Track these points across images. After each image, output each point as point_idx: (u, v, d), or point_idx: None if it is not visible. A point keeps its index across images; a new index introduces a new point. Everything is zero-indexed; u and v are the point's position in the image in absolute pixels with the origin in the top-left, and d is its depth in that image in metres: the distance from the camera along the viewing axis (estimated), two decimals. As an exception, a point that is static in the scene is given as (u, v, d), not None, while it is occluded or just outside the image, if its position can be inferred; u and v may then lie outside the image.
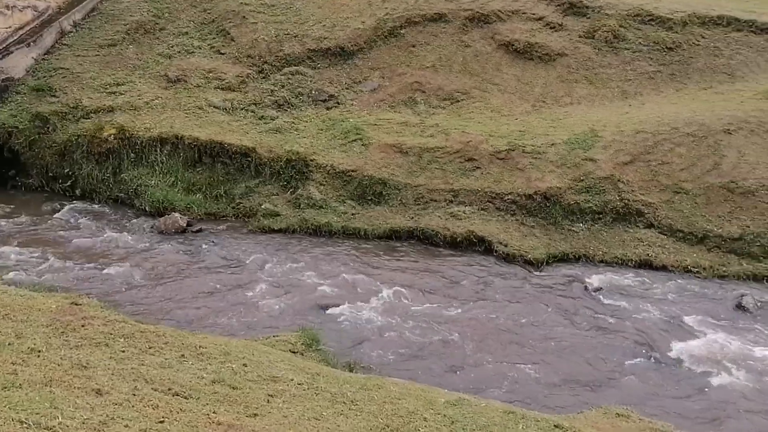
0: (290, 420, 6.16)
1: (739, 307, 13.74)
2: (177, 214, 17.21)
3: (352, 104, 21.31)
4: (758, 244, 15.53)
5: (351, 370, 10.34)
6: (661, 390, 11.08)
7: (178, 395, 6.04)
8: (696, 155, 17.21)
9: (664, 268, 15.43)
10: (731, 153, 17.10)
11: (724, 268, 15.21)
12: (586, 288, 14.59)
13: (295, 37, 22.87)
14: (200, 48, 22.87)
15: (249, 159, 18.68)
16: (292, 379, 7.59)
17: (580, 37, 22.72)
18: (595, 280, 14.94)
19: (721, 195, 16.40)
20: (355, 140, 19.15)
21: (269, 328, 12.23)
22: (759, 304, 13.85)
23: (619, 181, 16.94)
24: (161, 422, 5.19)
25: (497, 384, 11.15)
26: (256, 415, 6.08)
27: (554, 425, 7.81)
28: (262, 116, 20.42)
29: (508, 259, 15.79)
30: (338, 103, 21.30)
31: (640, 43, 22.28)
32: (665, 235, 16.16)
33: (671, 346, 12.30)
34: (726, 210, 16.16)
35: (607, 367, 11.74)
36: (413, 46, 22.87)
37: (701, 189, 16.56)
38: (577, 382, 11.30)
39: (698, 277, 15.09)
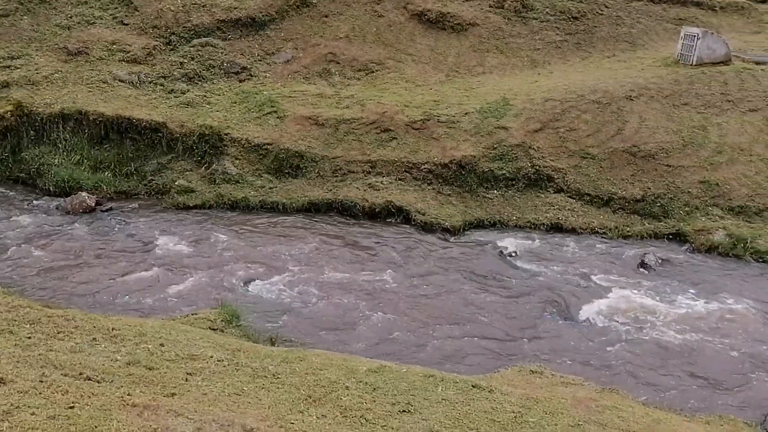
0: (210, 397, 6.11)
1: (642, 264, 14.54)
2: (84, 194, 16.47)
3: (266, 76, 20.89)
4: (659, 204, 16.44)
5: (273, 344, 10.31)
6: (572, 346, 11.63)
7: (90, 379, 5.86)
8: (601, 121, 17.95)
9: (573, 230, 16.11)
10: (633, 118, 17.92)
11: (628, 229, 16.03)
12: (501, 252, 15.05)
13: (203, 6, 22.11)
14: (101, 18, 21.74)
15: (160, 134, 18.04)
16: (212, 356, 7.50)
17: (490, 7, 23.08)
18: (509, 244, 15.44)
19: (624, 159, 17.21)
20: (270, 113, 18.84)
21: (188, 307, 11.99)
22: (660, 261, 14.70)
23: (530, 148, 17.47)
24: (71, 408, 5.04)
25: (418, 349, 11.40)
26: (173, 394, 5.99)
27: (472, 385, 8.08)
28: (172, 90, 19.72)
29: (426, 227, 16.05)
30: (251, 75, 20.83)
31: (547, 12, 22.86)
32: (574, 198, 16.84)
33: (581, 305, 12.91)
34: (629, 173, 16.99)
35: (522, 327, 12.20)
36: (326, 17, 22.59)
37: (606, 154, 17.31)
38: (494, 343, 11.69)
39: (605, 238, 15.86)
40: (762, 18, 24.21)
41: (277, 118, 18.62)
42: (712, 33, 19.87)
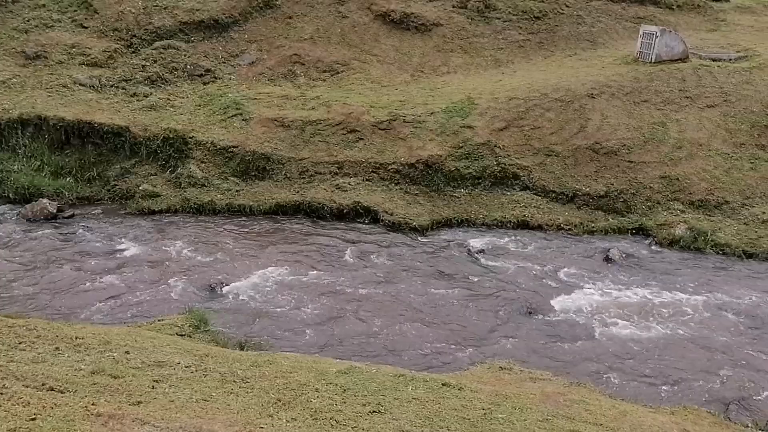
0: (177, 404, 6.03)
1: (607, 259, 14.79)
2: (45, 200, 16.13)
3: (230, 78, 20.73)
4: (621, 199, 16.74)
5: (242, 348, 10.21)
6: (541, 341, 11.78)
7: (53, 390, 5.73)
8: (564, 119, 18.20)
9: (539, 227, 16.31)
10: (595, 116, 18.21)
11: (593, 224, 16.29)
12: (468, 251, 15.16)
13: (164, 8, 21.83)
14: (60, 21, 21.32)
15: (122, 139, 17.76)
16: (179, 363, 7.40)
17: (453, 7, 23.23)
18: (477, 242, 15.56)
19: (588, 156, 17.47)
20: (235, 115, 18.69)
21: (154, 313, 11.83)
22: (624, 255, 14.97)
23: (495, 146, 17.63)
24: (33, 419, 4.92)
25: (389, 349, 11.43)
26: (139, 402, 5.90)
27: (442, 384, 8.11)
28: (135, 93, 19.44)
29: (394, 227, 16.09)
30: (215, 78, 20.65)
31: (509, 12, 23.09)
32: (539, 196, 17.05)
33: (548, 301, 13.08)
34: (592, 170, 17.26)
35: (491, 325, 12.32)
36: (290, 18, 22.49)
37: (570, 151, 17.56)
38: (463, 341, 11.78)
39: (570, 234, 16.08)
40: (717, 16, 24.82)
41: (243, 120, 18.49)
42: (670, 31, 20.29)
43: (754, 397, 10.23)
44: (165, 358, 7.50)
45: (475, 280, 13.90)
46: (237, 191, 17.10)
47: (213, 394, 6.58)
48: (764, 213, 15.96)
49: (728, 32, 23.36)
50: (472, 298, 13.19)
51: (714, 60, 20.22)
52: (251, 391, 6.96)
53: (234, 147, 17.71)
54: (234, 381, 7.16)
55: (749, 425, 8.76)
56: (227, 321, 11.89)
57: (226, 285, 13.28)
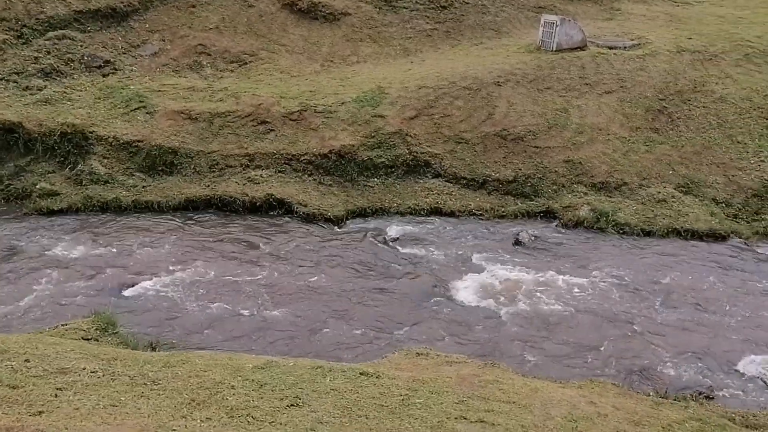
0: (82, 412, 5.77)
1: (517, 242, 15.26)
2: (-70, 204, 15.02)
3: (132, 70, 19.90)
4: (529, 184, 17.29)
5: (154, 349, 9.91)
6: (456, 325, 12.03)
7: (-57, 406, 5.37)
8: (472, 107, 18.58)
9: (452, 213, 16.61)
10: (502, 103, 18.70)
11: (503, 209, 16.75)
12: (384, 239, 15.27)
13: (57, -4, 20.67)
14: (-60, 10, 19.80)
15: (15, 135, 16.73)
16: (85, 368, 7.09)
17: (361, -4, 23.21)
18: (392, 231, 15.69)
19: (496, 142, 17.93)
20: (138, 108, 17.98)
21: (57, 317, 11.25)
22: (533, 238, 15.49)
23: (407, 135, 17.79)
24: None
25: (307, 341, 11.37)
26: (41, 413, 5.61)
27: (360, 373, 8.16)
28: (27, 86, 18.34)
29: (309, 218, 15.99)
30: (116, 69, 19.77)
31: (416, 2, 23.31)
32: (451, 183, 17.36)
33: (462, 285, 13.37)
34: (501, 156, 17.73)
35: (408, 311, 12.47)
36: (193, 7, 21.81)
37: (479, 138, 17.96)
38: (381, 329, 11.87)
39: (482, 219, 16.48)
40: (613, 5, 25.96)
41: (147, 113, 17.82)
42: (570, 20, 21.06)
43: (654, 367, 10.86)
44: (69, 365, 7.16)
45: (391, 268, 14.02)
46: (143, 187, 16.49)
47: (122, 398, 6.34)
48: (659, 193, 16.90)
49: (623, 21, 24.48)
50: (388, 286, 13.30)
51: (610, 48, 21.15)
52: (163, 392, 6.76)
53: (138, 141, 17.05)
54: (145, 383, 6.93)
55: (650, 393, 9.29)
56: (137, 322, 11.48)
57: (135, 285, 12.81)
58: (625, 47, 21.29)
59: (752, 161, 17.66)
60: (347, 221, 16.13)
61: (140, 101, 18.09)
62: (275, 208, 16.34)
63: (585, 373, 10.42)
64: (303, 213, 16.07)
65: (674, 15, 24.92)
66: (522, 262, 14.36)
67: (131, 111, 17.84)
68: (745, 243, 15.67)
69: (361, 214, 16.46)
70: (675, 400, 8.87)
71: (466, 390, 7.92)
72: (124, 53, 20.37)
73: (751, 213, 16.66)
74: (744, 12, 25.20)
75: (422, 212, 16.56)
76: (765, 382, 10.58)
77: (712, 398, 9.81)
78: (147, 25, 21.13)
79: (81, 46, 19.90)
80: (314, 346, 11.25)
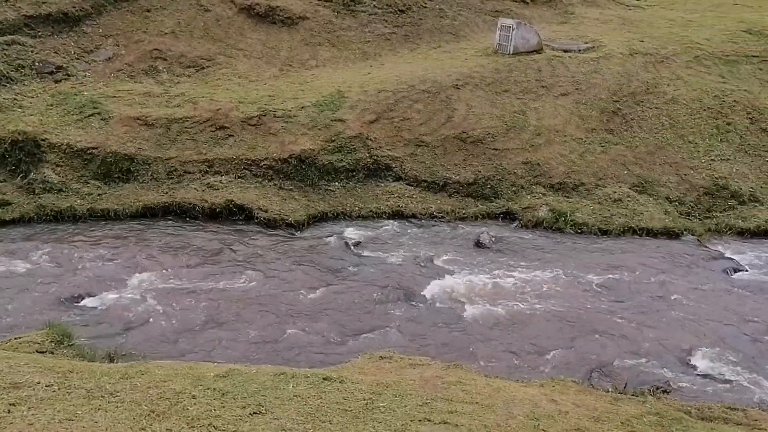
0: (37, 427, 5.62)
1: (478, 243, 15.40)
2: None
3: (85, 76, 19.50)
4: (489, 186, 17.48)
5: (112, 361, 9.69)
6: (419, 328, 12.07)
7: None
8: (432, 110, 18.71)
9: (413, 216, 16.70)
10: (461, 106, 18.87)
11: (464, 211, 16.90)
12: (345, 243, 15.24)
13: (6, 1, 20.12)
14: None
15: (-37, 144, 16.24)
16: (39, 382, 6.90)
17: (319, 0, 23.16)
18: (353, 234, 15.69)
19: (456, 145, 18.09)
20: (92, 115, 17.61)
21: (10, 331, 10.93)
22: (494, 239, 15.66)
23: (367, 138, 17.82)
24: None
25: (269, 349, 11.27)
26: (-6, 429, 5.45)
27: (323, 378, 8.12)
28: (-25, 93, 17.81)
29: (270, 224, 15.87)
30: (69, 75, 19.33)
31: (374, 6, 23.38)
32: (412, 186, 17.45)
33: (424, 287, 13.42)
34: (461, 158, 17.89)
35: (371, 315, 12.46)
36: (148, 11, 21.48)
37: (439, 141, 18.09)
38: (345, 334, 11.84)
39: (443, 221, 16.60)
40: (567, 9, 26.45)
41: (102, 120, 17.47)
42: (525, 24, 21.38)
43: (613, 363, 11.07)
44: (23, 379, 6.96)
45: (354, 271, 14.01)
46: (99, 195, 16.16)
47: (78, 412, 6.19)
48: (615, 192, 17.26)
49: (577, 25, 24.97)
50: (351, 290, 13.27)
51: (565, 51, 21.54)
52: (122, 404, 6.62)
53: (93, 148, 16.70)
54: (102, 396, 6.78)
55: (610, 390, 9.46)
56: (94, 333, 11.23)
57: (92, 295, 12.53)
58: (579, 50, 21.71)
59: (703, 160, 18.18)
60: (309, 226, 16.07)
61: (94, 107, 17.73)
62: (235, 214, 16.18)
63: (546, 372, 10.57)
64: (264, 218, 15.95)
65: (626, 18, 25.51)
66: (483, 262, 14.50)
67: (85, 117, 17.47)
68: (698, 240, 16.11)
69: (323, 218, 16.41)
70: (633, 395, 9.04)
71: (430, 392, 7.95)
72: (77, 59, 19.95)
73: (702, 211, 17.14)
74: (693, 15, 25.95)
75: (383, 215, 16.61)
76: (707, 366, 10.93)
77: (669, 392, 10.03)
78: (100, 30, 20.73)
79: (32, 51, 19.41)
80: (277, 352, 11.16)
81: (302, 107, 18.31)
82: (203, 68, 20.51)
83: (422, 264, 14.42)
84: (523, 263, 14.55)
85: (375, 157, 17.58)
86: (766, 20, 24.17)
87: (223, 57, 20.96)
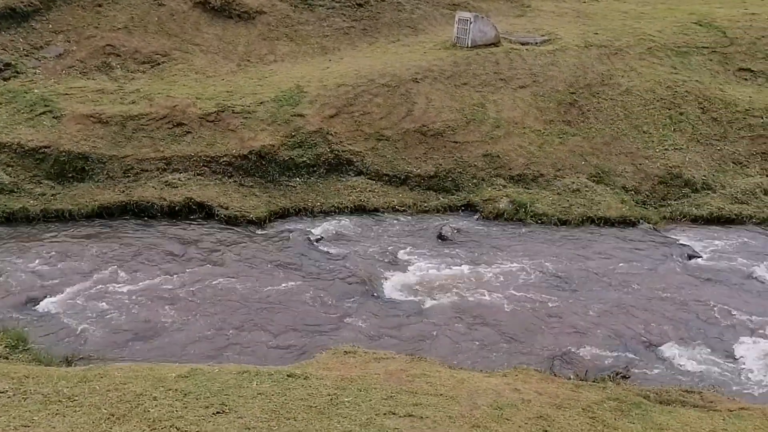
0: (-9, 435, 5.47)
1: (440, 236, 15.48)
2: None
3: (36, 73, 18.96)
4: (450, 179, 17.58)
5: (69, 365, 9.48)
6: (383, 322, 12.09)
7: None
8: (392, 104, 18.71)
9: (376, 210, 16.69)
10: (420, 100, 18.92)
11: (426, 204, 16.96)
12: (308, 239, 15.16)
13: (-51, -4, 19.44)
14: None
15: None
16: (-8, 390, 6.71)
17: (276, -6, 22.95)
18: (316, 230, 15.60)
19: (416, 138, 18.13)
20: (44, 113, 17.14)
21: (-38, 338, 10.58)
22: (455, 231, 15.75)
23: (327, 133, 17.73)
24: None
25: (233, 347, 11.15)
26: (-55, 439, 5.28)
27: (287, 375, 8.07)
28: None
29: (231, 221, 15.69)
30: (17, 73, 18.78)
31: (332, 0, 23.24)
32: (374, 180, 17.43)
33: (388, 282, 13.44)
34: (421, 152, 17.94)
35: (335, 310, 12.43)
36: (100, 6, 20.97)
37: (399, 135, 18.11)
38: (309, 330, 11.79)
39: (405, 215, 16.63)
40: (523, 2, 26.70)
41: (54, 118, 17.01)
42: (483, 17, 21.52)
43: (574, 351, 11.27)
44: (-25, 387, 6.76)
45: (317, 267, 13.94)
46: (53, 195, 15.75)
47: (35, 418, 6.04)
48: (573, 183, 17.53)
49: (533, 18, 25.23)
50: (314, 286, 13.22)
51: (522, 44, 21.75)
52: (80, 409, 6.48)
53: (45, 147, 16.26)
54: (59, 401, 6.63)
55: (571, 377, 9.62)
56: (51, 337, 10.96)
57: (48, 298, 12.21)
58: (536, 43, 21.95)
59: (657, 150, 18.59)
60: (270, 222, 15.93)
61: (45, 105, 17.26)
62: (195, 211, 15.95)
63: (509, 361, 10.69)
64: (224, 216, 15.75)
65: (581, 11, 25.89)
66: (446, 255, 14.58)
67: (36, 116, 16.99)
68: (654, 228, 16.48)
69: (284, 214, 16.29)
70: (594, 381, 9.21)
71: (394, 385, 7.97)
72: (26, 55, 19.39)
73: (658, 199, 17.55)
74: (645, 8, 26.47)
75: (346, 210, 16.56)
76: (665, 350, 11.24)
77: (629, 377, 10.26)
78: (50, 26, 20.17)
79: (-22, 48, 18.80)
80: (240, 350, 11.06)
81: (261, 103, 18.13)
82: (159, 64, 20.13)
83: (385, 258, 14.43)
84: (485, 255, 14.68)
85: (336, 152, 17.51)
86: (716, 12, 24.80)
87: (179, 52, 20.61)
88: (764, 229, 16.58)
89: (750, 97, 20.17)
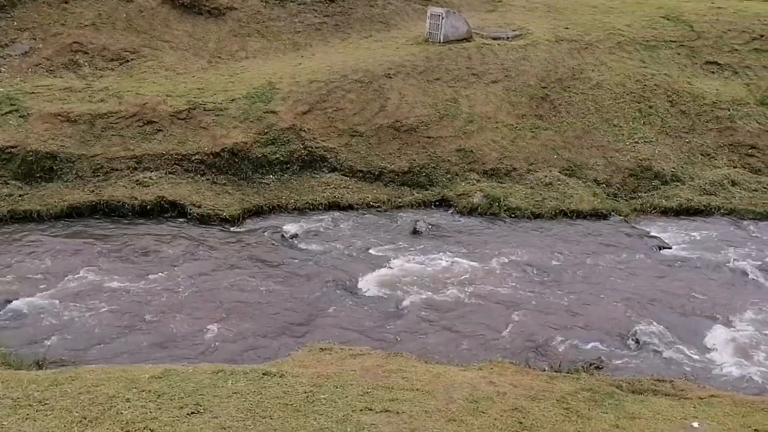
0: (-41, 442, 5.36)
1: (414, 231, 15.52)
2: None
3: (1, 71, 18.56)
4: (424, 174, 17.62)
5: (40, 368, 9.32)
6: (359, 318, 12.08)
7: None
8: (365, 100, 18.68)
9: (350, 206, 16.66)
10: (393, 95, 18.91)
11: (400, 200, 16.98)
12: (282, 236, 15.09)
13: None
14: None
15: None
16: (-40, 395, 6.58)
17: (246, -10, 22.76)
18: (290, 227, 15.53)
19: (390, 134, 18.13)
20: (9, 112, 16.80)
21: (-72, 343, 10.36)
22: (430, 226, 15.80)
23: (301, 130, 17.65)
24: None
25: (208, 346, 11.06)
26: None
27: (263, 374, 8.04)
28: None
29: (204, 219, 15.55)
30: (-18, 71, 18.38)
31: (304, -5, 23.14)
32: (348, 176, 17.40)
33: (363, 277, 13.43)
34: (395, 147, 17.95)
35: (310, 308, 12.38)
36: (66, 3, 20.60)
37: (373, 130, 18.09)
38: (284, 328, 11.73)
39: (379, 211, 16.64)
40: (495, -3, 26.83)
41: (20, 117, 16.69)
42: (455, 12, 21.57)
43: (549, 343, 11.38)
44: (-58, 393, 6.61)
45: (291, 264, 13.88)
46: (20, 196, 15.46)
47: (4, 423, 5.93)
48: (546, 177, 17.68)
49: (504, 13, 25.37)
50: (289, 283, 13.16)
51: (494, 39, 21.86)
52: (51, 412, 6.38)
53: (12, 147, 15.94)
54: (30, 405, 6.52)
55: (545, 369, 9.72)
56: (21, 340, 10.76)
57: (17, 300, 11.98)
58: (507, 38, 22.07)
59: (627, 143, 18.83)
60: (244, 220, 15.82)
61: (11, 104, 16.92)
62: (167, 210, 15.77)
63: (485, 355, 10.75)
64: (197, 214, 15.60)
65: (551, 6, 26.08)
66: (420, 250, 14.61)
67: (2, 115, 16.66)
68: (625, 220, 16.71)
69: (258, 212, 16.19)
70: (568, 372, 9.32)
71: (371, 381, 7.98)
72: (-9, 53, 18.98)
73: (629, 192, 17.78)
74: (614, 2, 26.75)
75: (320, 207, 16.51)
76: (637, 341, 11.42)
77: (602, 368, 10.39)
78: (15, 23, 19.76)
79: (-60, 46, 18.36)
80: (215, 350, 10.97)
81: (233, 100, 17.97)
82: (128, 61, 19.85)
83: (360, 254, 14.42)
84: (459, 249, 14.74)
85: (309, 149, 17.44)
86: (683, 6, 25.17)
87: (149, 49, 20.34)
88: (732, 219, 16.90)
89: (717, 89, 20.53)
